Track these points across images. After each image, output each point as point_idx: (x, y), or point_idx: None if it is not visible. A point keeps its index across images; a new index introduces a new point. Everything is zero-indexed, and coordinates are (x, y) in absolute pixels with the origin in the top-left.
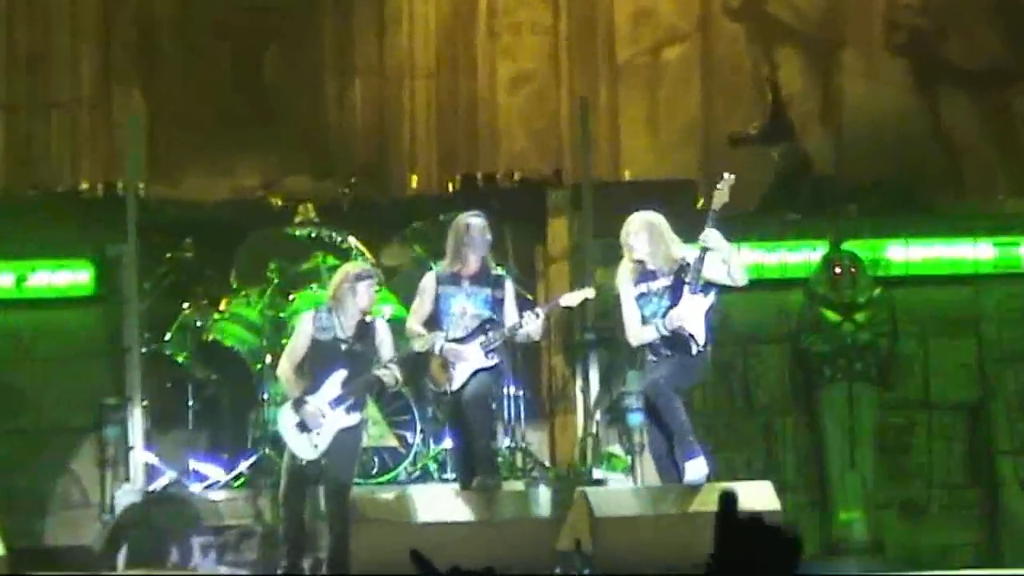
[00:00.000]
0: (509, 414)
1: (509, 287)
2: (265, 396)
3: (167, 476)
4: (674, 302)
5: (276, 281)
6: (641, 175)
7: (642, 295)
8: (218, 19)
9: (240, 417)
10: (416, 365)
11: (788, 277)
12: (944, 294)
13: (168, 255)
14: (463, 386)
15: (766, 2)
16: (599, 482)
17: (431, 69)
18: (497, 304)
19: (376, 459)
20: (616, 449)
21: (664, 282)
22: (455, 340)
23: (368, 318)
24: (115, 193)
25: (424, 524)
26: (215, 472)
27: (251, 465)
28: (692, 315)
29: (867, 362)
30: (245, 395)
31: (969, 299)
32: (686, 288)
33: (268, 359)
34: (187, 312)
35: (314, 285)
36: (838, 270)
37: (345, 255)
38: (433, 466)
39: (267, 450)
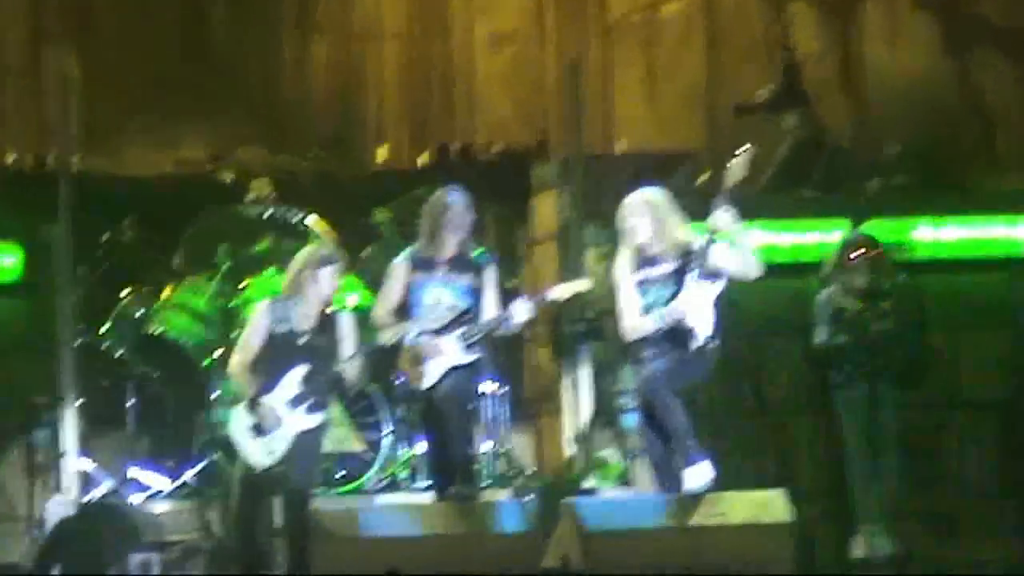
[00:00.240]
0: (489, 415)
1: (491, 274)
2: (214, 396)
3: (104, 485)
4: (677, 291)
5: (226, 266)
6: (637, 147)
7: (642, 283)
8: None
9: (186, 419)
10: (384, 360)
11: (802, 262)
12: (977, 280)
13: (105, 237)
14: (438, 383)
15: None
16: (590, 491)
17: (401, 28)
18: (476, 293)
19: (339, 466)
20: (609, 454)
21: (666, 268)
22: (429, 332)
23: (330, 309)
24: (46, 167)
25: (393, 539)
26: (158, 481)
27: (198, 473)
28: (697, 305)
29: (891, 357)
30: (192, 394)
31: (1004, 286)
32: (690, 275)
33: (218, 354)
34: (127, 301)
35: (269, 270)
36: (858, 254)
37: (304, 237)
38: (403, 474)
39: (217, 456)
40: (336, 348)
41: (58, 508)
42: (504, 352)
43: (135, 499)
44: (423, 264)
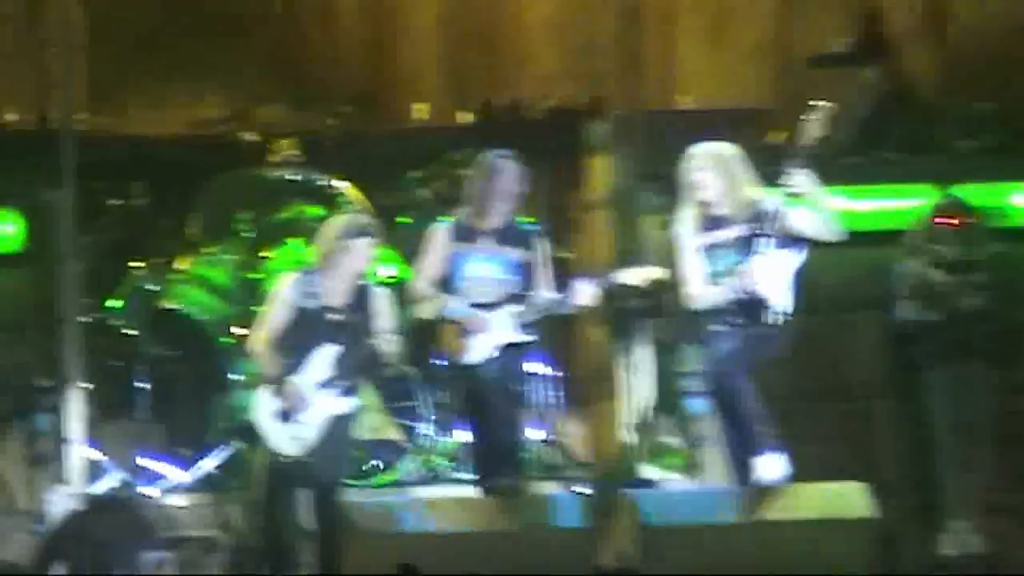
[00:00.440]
0: (538, 399)
1: (542, 246)
2: (235, 377)
3: (113, 477)
4: (748, 258)
5: (248, 235)
6: (701, 102)
7: (708, 247)
8: None
9: (203, 403)
10: (422, 339)
11: (884, 230)
12: None
13: (113, 203)
14: (483, 364)
15: None
16: (649, 483)
17: None
18: (525, 268)
19: (373, 455)
20: (671, 442)
21: (736, 231)
22: (475, 306)
23: (363, 282)
24: (48, 127)
25: (432, 535)
26: (172, 472)
27: (217, 463)
28: (771, 275)
29: (982, 335)
30: (209, 376)
31: None
32: (763, 241)
33: (238, 331)
34: (137, 273)
35: (294, 240)
36: (946, 221)
37: (333, 204)
38: (444, 463)
39: (237, 444)
40: (369, 325)
41: (62, 502)
42: (553, 329)
43: (147, 492)
44: (466, 234)
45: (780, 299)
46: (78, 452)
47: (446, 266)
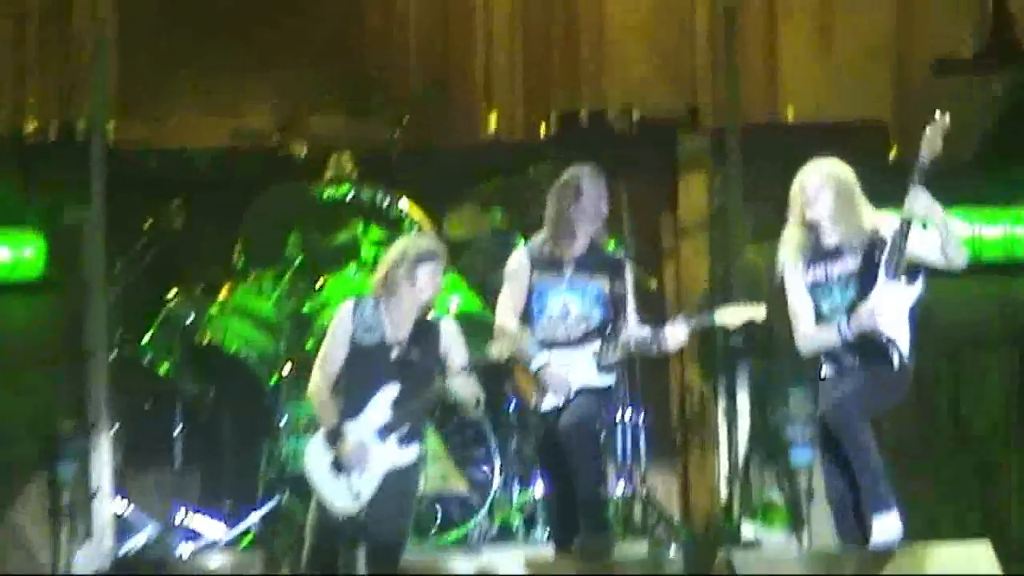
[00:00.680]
0: (625, 449)
1: (629, 275)
2: (283, 422)
3: (145, 532)
4: (864, 292)
5: (299, 260)
6: (810, 114)
7: (819, 282)
8: None
9: (247, 450)
10: (494, 380)
11: (1015, 258)
12: None
13: (148, 224)
14: (562, 408)
15: None
16: (749, 543)
17: None
18: (610, 300)
19: (439, 510)
20: (774, 497)
21: (851, 263)
22: (554, 346)
23: (429, 314)
24: (74, 137)
25: None
26: (212, 528)
27: (263, 518)
28: (891, 311)
29: None
30: (254, 420)
31: None
32: (881, 272)
33: (287, 369)
34: (174, 304)
35: (351, 266)
36: None
37: (395, 225)
38: (517, 520)
39: (286, 498)
40: (435, 363)
41: (88, 560)
42: (643, 370)
43: (184, 550)
44: (547, 263)
45: (901, 338)
46: (106, 505)
47: (527, 299)
